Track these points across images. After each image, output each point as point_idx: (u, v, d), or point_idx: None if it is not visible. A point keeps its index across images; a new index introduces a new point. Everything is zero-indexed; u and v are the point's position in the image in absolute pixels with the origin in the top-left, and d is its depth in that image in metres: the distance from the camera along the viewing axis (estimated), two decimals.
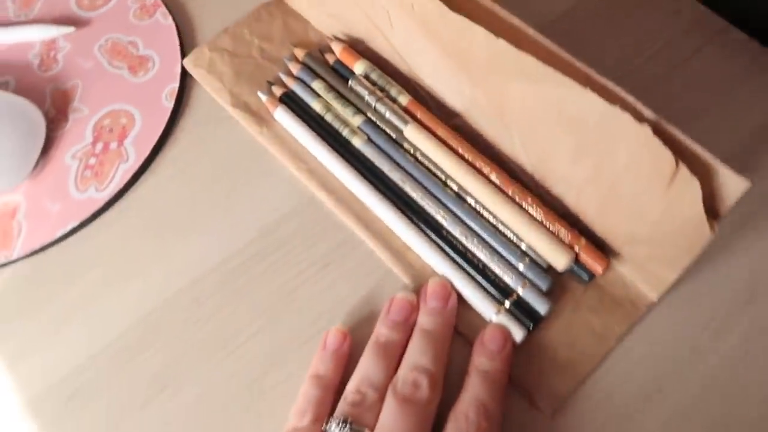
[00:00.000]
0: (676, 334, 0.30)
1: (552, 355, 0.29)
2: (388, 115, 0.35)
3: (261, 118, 0.37)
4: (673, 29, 0.41)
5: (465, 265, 0.31)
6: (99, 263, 0.34)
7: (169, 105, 0.38)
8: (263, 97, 0.37)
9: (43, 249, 0.34)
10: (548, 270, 0.31)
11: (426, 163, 0.34)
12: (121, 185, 0.36)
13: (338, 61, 0.37)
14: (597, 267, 0.30)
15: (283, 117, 0.36)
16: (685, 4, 0.41)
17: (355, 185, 0.34)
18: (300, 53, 0.38)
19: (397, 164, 0.34)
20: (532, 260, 0.31)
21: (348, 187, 0.34)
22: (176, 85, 0.39)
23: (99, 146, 0.37)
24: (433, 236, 0.32)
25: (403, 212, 0.33)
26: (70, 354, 0.32)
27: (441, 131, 0.33)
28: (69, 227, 0.35)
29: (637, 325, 0.30)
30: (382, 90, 0.36)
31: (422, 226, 0.32)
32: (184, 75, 0.39)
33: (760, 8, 0.39)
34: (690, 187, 0.24)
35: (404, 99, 0.35)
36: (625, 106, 0.27)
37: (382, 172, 0.34)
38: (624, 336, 0.30)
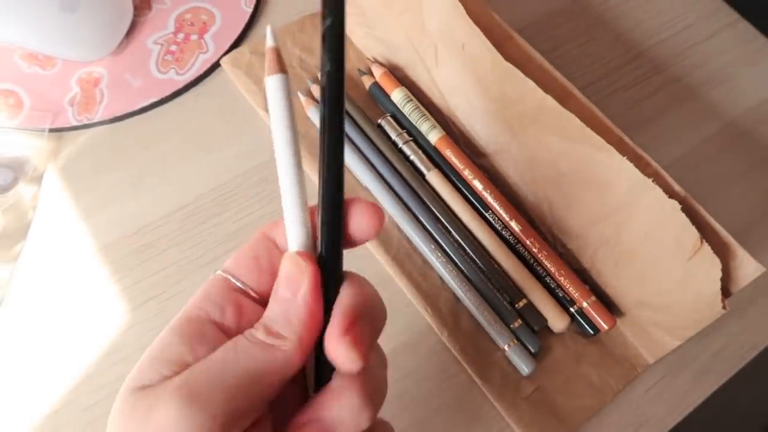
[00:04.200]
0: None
1: (552, 403, 0.30)
2: (412, 157, 0.36)
3: None
4: None
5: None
6: (176, 135, 0.38)
7: (248, 10, 0.43)
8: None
9: (124, 117, 0.38)
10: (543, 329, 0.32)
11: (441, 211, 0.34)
12: (200, 72, 0.40)
13: (376, 84, 0.38)
14: (603, 325, 0.31)
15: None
16: None
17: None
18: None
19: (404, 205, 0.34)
20: (524, 321, 0.31)
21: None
22: None
23: (180, 36, 0.42)
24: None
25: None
26: (145, 210, 0.35)
27: (468, 171, 0.34)
28: (150, 101, 0.39)
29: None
30: (409, 133, 0.36)
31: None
32: None
33: None
34: (711, 266, 0.26)
35: (436, 134, 0.36)
36: (658, 178, 0.29)
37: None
38: (619, 393, 0.31)
